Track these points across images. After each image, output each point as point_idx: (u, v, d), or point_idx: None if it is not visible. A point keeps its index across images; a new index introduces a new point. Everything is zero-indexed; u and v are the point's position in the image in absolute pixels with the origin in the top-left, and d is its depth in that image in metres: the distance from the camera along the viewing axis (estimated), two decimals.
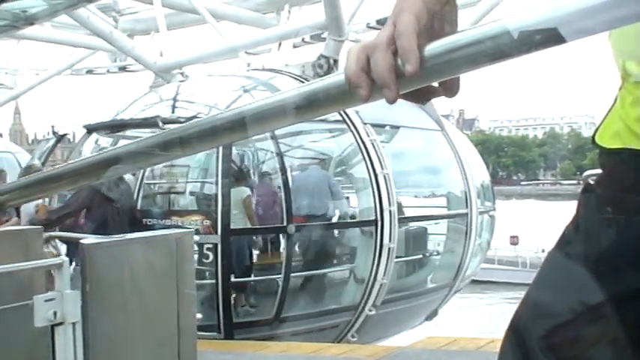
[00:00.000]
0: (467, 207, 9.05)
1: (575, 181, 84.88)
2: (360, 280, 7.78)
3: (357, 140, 7.69)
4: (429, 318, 9.43)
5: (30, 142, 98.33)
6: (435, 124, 9.25)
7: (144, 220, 6.51)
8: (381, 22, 10.79)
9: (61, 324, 2.82)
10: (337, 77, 0.81)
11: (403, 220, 8.03)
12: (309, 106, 0.84)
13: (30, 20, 10.34)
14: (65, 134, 8.48)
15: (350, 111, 7.74)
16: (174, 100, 7.52)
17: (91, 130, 7.63)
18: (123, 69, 15.20)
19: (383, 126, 8.32)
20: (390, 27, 0.78)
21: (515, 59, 0.72)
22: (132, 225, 6.33)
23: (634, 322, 0.95)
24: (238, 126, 0.92)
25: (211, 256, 6.38)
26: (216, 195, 6.41)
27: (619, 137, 1.02)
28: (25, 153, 16.59)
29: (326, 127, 8.00)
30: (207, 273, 6.63)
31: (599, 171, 1.09)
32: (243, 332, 6.81)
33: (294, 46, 12.49)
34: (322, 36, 12.69)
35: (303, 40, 12.97)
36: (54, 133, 8.62)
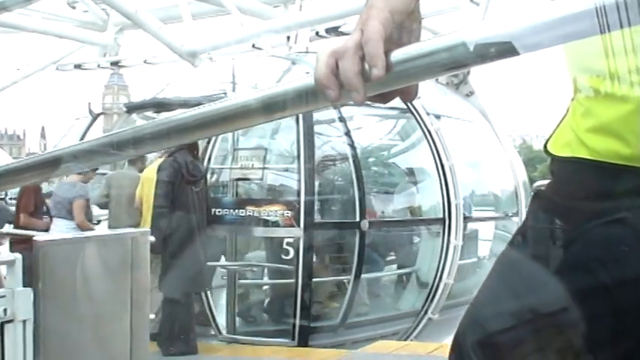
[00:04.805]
0: (517, 207, 8.50)
1: None
2: (424, 281, 7.15)
3: (422, 129, 7.08)
4: None
5: None
6: (482, 116, 8.71)
7: (213, 210, 5.74)
8: None
9: (11, 321, 2.83)
10: (307, 80, 0.83)
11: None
12: (279, 107, 0.86)
13: None
14: (101, 113, 7.77)
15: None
16: (233, 80, 6.76)
17: (131, 109, 6.82)
18: (115, 64, 14.31)
19: (440, 117, 7.68)
20: (358, 33, 0.81)
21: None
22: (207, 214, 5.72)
23: (582, 331, 0.97)
24: (199, 126, 0.93)
25: (292, 252, 5.64)
26: (299, 182, 5.67)
27: (569, 146, 1.07)
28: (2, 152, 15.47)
29: (390, 115, 7.35)
30: (285, 272, 5.88)
31: (548, 181, 1.13)
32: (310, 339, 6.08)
33: (310, 40, 11.93)
34: (339, 29, 12.21)
35: (317, 33, 12.41)
36: (90, 112, 7.97)
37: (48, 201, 6.57)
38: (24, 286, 2.91)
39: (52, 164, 1.13)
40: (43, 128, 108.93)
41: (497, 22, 0.72)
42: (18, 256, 2.99)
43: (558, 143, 1.11)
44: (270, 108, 0.86)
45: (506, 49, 0.70)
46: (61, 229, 5.90)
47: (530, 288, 1.04)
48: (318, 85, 0.81)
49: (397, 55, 0.78)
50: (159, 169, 5.54)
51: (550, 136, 1.14)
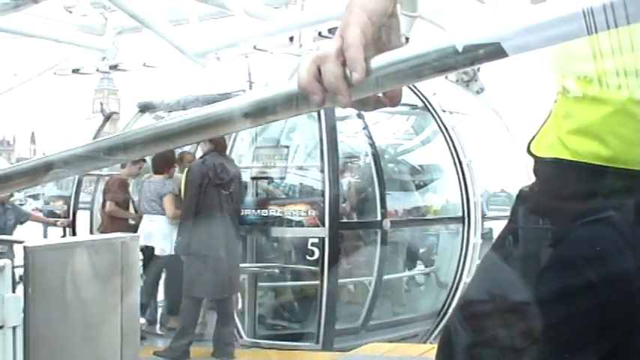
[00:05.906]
0: None
1: None
2: (444, 282, 7.02)
3: (439, 126, 6.96)
4: None
5: None
6: (494, 113, 8.61)
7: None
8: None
9: (0, 327, 2.80)
10: (290, 86, 0.85)
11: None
12: (264, 112, 0.87)
13: None
14: (113, 112, 8.35)
15: (429, 96, 7.05)
16: (249, 78, 6.67)
17: (144, 109, 6.70)
18: (114, 67, 14.12)
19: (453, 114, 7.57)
20: (339, 40, 0.83)
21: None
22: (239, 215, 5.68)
23: (567, 328, 0.99)
24: (191, 130, 0.93)
25: (317, 253, 5.51)
26: (323, 181, 5.53)
27: (551, 148, 1.09)
28: None
29: (407, 112, 7.24)
30: (309, 273, 5.74)
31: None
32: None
33: (313, 40, 11.84)
34: None
35: (320, 34, 12.31)
36: (102, 111, 8.07)
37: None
38: None
39: (43, 169, 1.15)
40: (32, 134, 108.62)
41: (486, 23, 0.72)
42: (7, 261, 2.95)
43: (541, 145, 1.12)
44: (262, 112, 0.87)
45: (494, 51, 0.71)
46: (160, 224, 6.33)
47: (513, 287, 1.06)
48: (302, 91, 0.83)
49: (379, 59, 0.80)
50: (187, 172, 5.55)
51: (533, 138, 1.16)
